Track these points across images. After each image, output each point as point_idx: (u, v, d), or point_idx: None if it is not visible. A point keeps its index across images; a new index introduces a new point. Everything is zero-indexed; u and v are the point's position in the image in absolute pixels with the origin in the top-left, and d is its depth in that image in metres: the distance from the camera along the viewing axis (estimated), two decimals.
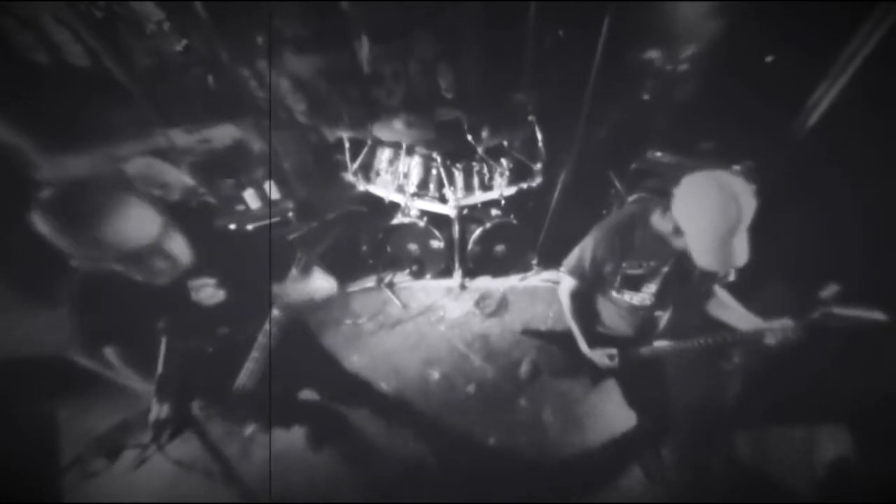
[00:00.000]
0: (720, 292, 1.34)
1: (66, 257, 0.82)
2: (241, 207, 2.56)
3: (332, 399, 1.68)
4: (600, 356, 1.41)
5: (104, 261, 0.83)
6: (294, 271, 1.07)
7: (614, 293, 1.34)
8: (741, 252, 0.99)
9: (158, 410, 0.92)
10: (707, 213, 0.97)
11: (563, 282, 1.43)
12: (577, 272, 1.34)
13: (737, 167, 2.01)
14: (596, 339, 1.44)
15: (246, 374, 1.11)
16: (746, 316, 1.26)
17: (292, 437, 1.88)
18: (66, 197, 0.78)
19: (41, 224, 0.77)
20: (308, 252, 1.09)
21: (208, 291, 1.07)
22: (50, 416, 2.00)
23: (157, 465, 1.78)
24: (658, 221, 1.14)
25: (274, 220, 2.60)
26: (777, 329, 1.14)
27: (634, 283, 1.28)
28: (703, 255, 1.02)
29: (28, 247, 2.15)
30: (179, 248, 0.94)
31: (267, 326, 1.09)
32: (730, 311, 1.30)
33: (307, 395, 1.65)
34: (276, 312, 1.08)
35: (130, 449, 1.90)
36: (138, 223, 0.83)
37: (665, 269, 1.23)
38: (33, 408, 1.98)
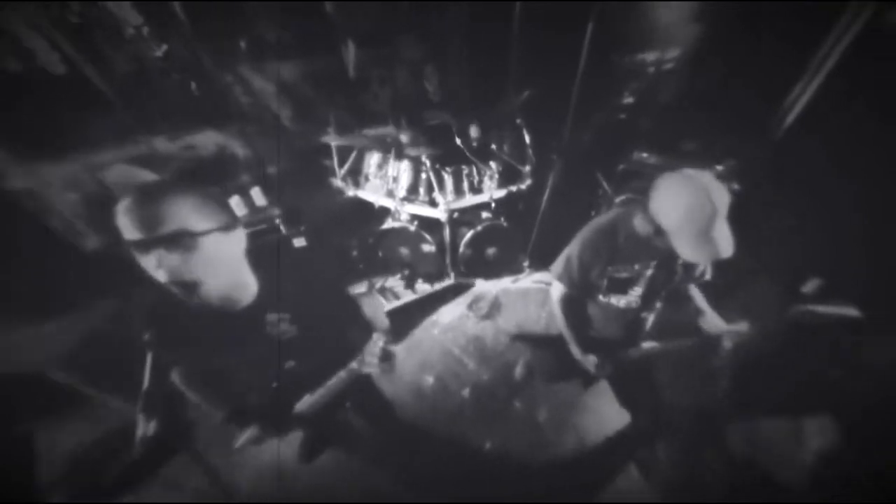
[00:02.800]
0: (695, 294, 1.38)
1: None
2: None
3: (360, 416, 1.70)
4: (592, 363, 1.42)
5: (137, 248, 0.76)
6: (381, 343, 1.07)
7: (601, 297, 1.35)
8: (725, 243, 1.02)
9: (145, 427, 0.89)
10: (682, 208, 1.01)
11: (553, 288, 1.44)
12: (564, 277, 1.35)
13: (720, 167, 2.07)
14: (587, 343, 1.45)
15: (305, 406, 1.12)
16: (714, 319, 1.32)
17: (286, 446, 1.85)
18: (138, 199, 0.75)
19: (125, 229, 0.75)
20: (404, 322, 1.09)
21: (283, 327, 1.05)
22: (30, 435, 1.92)
23: (144, 484, 1.73)
24: (640, 224, 1.16)
25: (260, 227, 2.55)
26: (734, 332, 1.22)
27: (621, 287, 1.30)
28: (686, 250, 1.05)
29: (4, 260, 2.07)
30: (223, 266, 0.87)
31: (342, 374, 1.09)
32: (702, 314, 1.35)
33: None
34: (354, 365, 1.08)
35: (115, 468, 1.84)
36: (187, 212, 0.78)
37: (649, 272, 1.25)
38: (10, 428, 1.90)
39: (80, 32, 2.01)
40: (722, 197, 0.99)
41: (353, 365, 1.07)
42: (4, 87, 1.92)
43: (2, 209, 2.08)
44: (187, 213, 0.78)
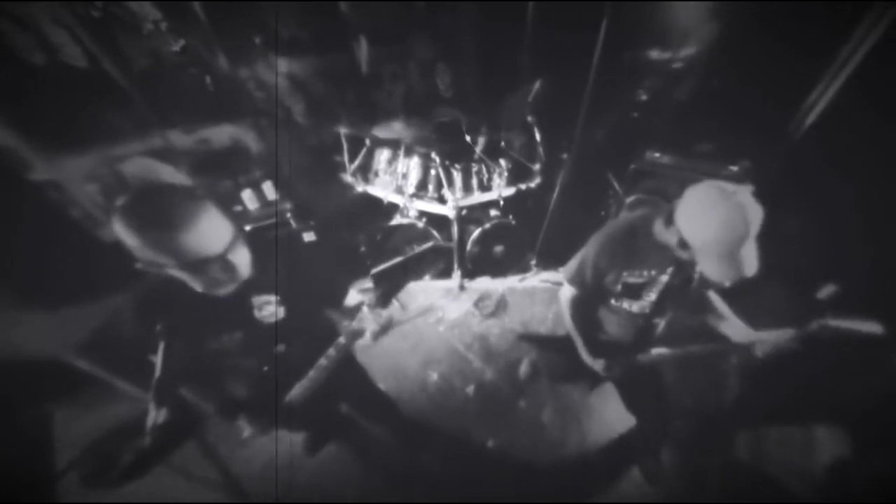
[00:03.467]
0: (715, 300, 1.35)
1: (131, 261, 0.81)
2: (238, 208, 2.55)
3: (363, 414, 1.72)
4: (600, 366, 1.41)
5: (171, 266, 0.81)
6: (371, 300, 1.06)
7: (614, 301, 1.33)
8: (750, 262, 0.98)
9: (156, 415, 0.91)
10: (713, 227, 0.96)
11: (563, 290, 1.42)
12: (577, 281, 1.33)
13: (734, 167, 2.02)
14: (596, 346, 1.44)
15: (298, 391, 1.13)
16: (740, 326, 1.26)
17: (292, 437, 1.88)
18: (144, 202, 0.77)
19: (122, 230, 0.76)
20: (390, 285, 1.09)
21: (270, 309, 1.07)
22: (46, 419, 1.99)
23: (154, 469, 1.78)
24: (661, 232, 1.13)
25: (270, 221, 2.59)
26: (767, 341, 1.15)
27: (635, 292, 1.28)
28: (711, 268, 1.02)
29: (26, 248, 2.14)
30: (242, 261, 0.92)
31: (333, 351, 1.09)
32: (724, 320, 1.31)
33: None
34: (342, 340, 1.08)
35: (126, 454, 1.90)
36: (213, 233, 0.82)
37: (665, 278, 1.23)
38: (30, 411, 1.97)
39: (102, 27, 2.06)
40: (757, 217, 0.93)
41: (341, 339, 1.07)
42: (30, 79, 1.98)
43: (26, 200, 2.14)
44: (218, 224, 0.83)
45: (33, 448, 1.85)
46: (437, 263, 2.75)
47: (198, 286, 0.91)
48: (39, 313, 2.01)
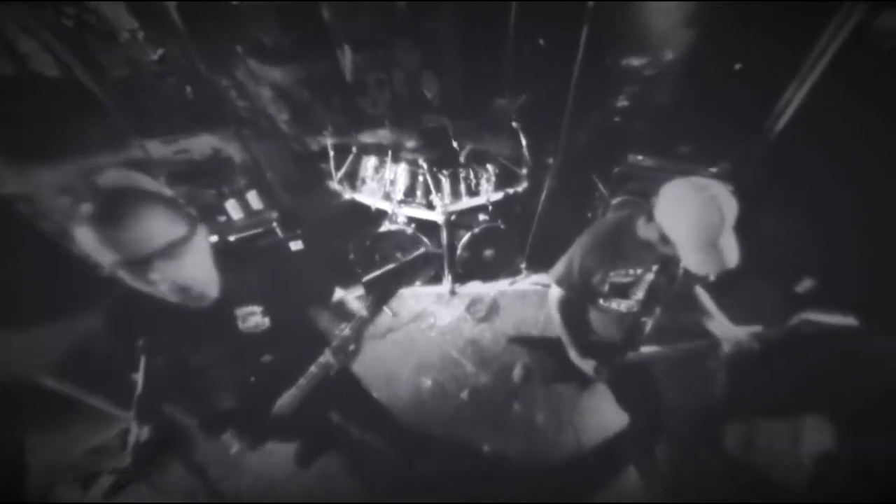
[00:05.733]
0: (702, 296, 1.37)
1: (97, 271, 0.78)
2: (222, 218, 2.50)
3: (356, 422, 1.70)
4: (590, 366, 1.42)
5: (129, 266, 0.78)
6: (364, 313, 1.04)
7: (602, 301, 1.34)
8: (731, 253, 1.00)
9: (138, 433, 0.87)
10: (690, 219, 0.99)
11: (552, 292, 1.43)
12: (564, 282, 1.35)
13: (714, 169, 2.08)
14: (585, 347, 1.45)
15: (287, 400, 1.11)
16: (724, 323, 1.29)
17: (284, 450, 1.83)
18: (104, 207, 0.75)
19: (86, 239, 0.74)
20: (380, 294, 1.07)
21: (255, 320, 1.05)
22: (18, 443, 1.88)
23: (137, 492, 1.70)
24: (644, 230, 1.15)
25: (258, 230, 2.54)
26: (739, 338, 1.18)
27: (622, 291, 1.29)
28: (693, 261, 1.04)
29: None
30: (199, 260, 0.88)
31: (323, 359, 1.06)
32: (710, 318, 1.33)
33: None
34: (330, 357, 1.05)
35: (107, 475, 1.81)
36: (157, 228, 0.79)
37: (650, 276, 1.25)
38: (4, 434, 1.86)
39: (75, 36, 2.00)
40: (731, 208, 0.96)
41: (328, 354, 1.05)
42: None
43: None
44: (165, 223, 0.80)
45: (9, 471, 1.75)
46: (428, 270, 2.74)
47: (166, 293, 0.86)
48: (11, 332, 1.92)
